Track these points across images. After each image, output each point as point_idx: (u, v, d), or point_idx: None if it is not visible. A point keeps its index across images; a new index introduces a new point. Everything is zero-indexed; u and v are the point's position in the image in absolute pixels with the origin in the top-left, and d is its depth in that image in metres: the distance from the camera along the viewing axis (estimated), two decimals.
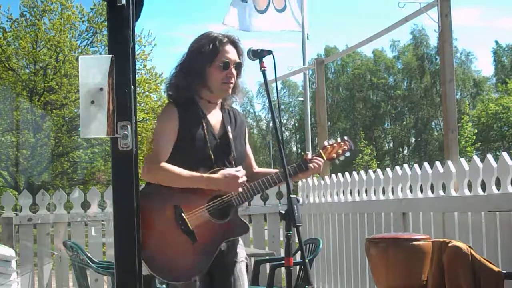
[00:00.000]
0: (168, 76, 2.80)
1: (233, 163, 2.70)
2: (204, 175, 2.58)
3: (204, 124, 2.67)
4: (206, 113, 2.72)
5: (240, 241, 2.80)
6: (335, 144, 2.83)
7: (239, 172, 2.62)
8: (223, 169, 2.62)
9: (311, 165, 2.73)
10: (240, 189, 2.60)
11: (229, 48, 2.69)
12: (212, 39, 2.67)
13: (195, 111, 2.69)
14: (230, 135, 2.73)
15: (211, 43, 2.66)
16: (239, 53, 2.72)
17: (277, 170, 2.74)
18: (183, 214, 2.56)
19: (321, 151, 2.83)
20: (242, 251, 2.79)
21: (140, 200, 2.56)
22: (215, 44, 2.66)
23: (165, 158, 2.61)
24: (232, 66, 2.68)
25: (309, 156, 2.77)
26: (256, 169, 2.91)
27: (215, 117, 2.75)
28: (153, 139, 2.73)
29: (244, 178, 2.62)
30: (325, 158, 2.80)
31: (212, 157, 2.64)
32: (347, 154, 2.85)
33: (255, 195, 2.69)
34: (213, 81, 2.67)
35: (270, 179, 2.66)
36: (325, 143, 2.84)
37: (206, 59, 2.65)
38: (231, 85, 2.70)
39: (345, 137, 2.87)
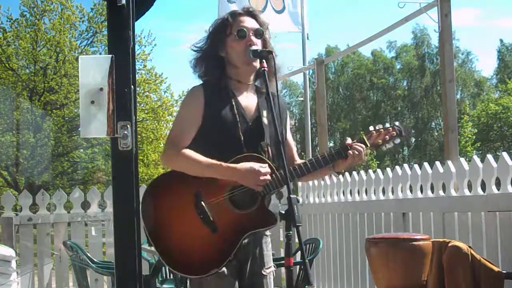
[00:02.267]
0: (191, 60, 2.58)
1: (268, 150, 2.48)
2: (223, 163, 2.37)
3: (233, 104, 2.48)
4: (237, 94, 2.52)
5: (269, 246, 2.59)
6: (381, 129, 2.53)
7: (263, 168, 2.38)
8: (250, 161, 2.40)
9: (350, 151, 2.44)
10: (260, 188, 2.38)
11: (245, 18, 2.52)
12: (226, 14, 2.54)
13: (224, 91, 2.50)
14: (265, 120, 2.50)
15: (225, 17, 2.52)
16: (260, 23, 2.53)
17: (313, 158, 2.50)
18: (202, 203, 2.40)
19: (364, 136, 2.52)
20: (269, 259, 2.58)
21: (160, 186, 2.53)
22: (228, 17, 2.51)
23: (186, 143, 2.44)
24: (250, 34, 2.47)
25: (349, 141, 2.47)
26: (298, 161, 2.63)
27: (248, 100, 2.55)
28: (173, 122, 2.58)
29: (268, 177, 2.38)
30: (369, 145, 2.49)
31: (242, 139, 2.44)
32: (397, 140, 2.53)
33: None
34: (233, 54, 2.48)
35: (303, 166, 2.43)
36: (371, 128, 2.55)
37: (221, 34, 2.48)
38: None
39: (396, 123, 2.56)
